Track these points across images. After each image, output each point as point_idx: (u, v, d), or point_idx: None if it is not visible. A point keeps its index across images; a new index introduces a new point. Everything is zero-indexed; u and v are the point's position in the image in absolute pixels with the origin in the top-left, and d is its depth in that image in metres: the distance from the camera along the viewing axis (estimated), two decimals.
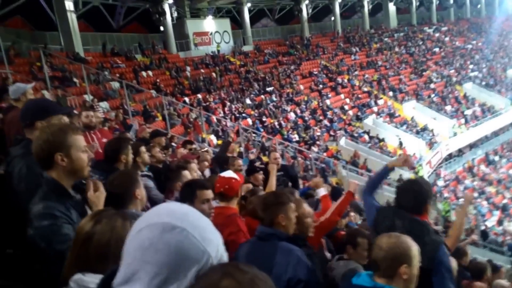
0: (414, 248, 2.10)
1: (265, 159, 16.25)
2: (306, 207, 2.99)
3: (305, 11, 34.40)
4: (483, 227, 19.39)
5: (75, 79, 18.23)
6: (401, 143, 25.55)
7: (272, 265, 2.35)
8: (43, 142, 2.07)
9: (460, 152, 29.72)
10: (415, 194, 2.72)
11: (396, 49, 36.34)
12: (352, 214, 6.37)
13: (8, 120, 3.92)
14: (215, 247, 1.02)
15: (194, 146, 6.44)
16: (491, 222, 22.49)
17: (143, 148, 4.07)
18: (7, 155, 2.70)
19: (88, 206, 2.23)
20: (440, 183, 25.16)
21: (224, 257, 1.04)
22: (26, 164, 2.43)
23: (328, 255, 3.83)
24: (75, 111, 5.46)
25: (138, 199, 2.55)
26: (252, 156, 6.73)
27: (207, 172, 5.23)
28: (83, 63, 18.09)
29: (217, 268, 0.94)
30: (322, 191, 4.24)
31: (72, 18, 22.38)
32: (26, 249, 2.12)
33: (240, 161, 5.78)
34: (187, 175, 3.78)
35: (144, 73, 22.98)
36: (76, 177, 2.18)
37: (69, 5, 22.02)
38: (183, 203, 2.79)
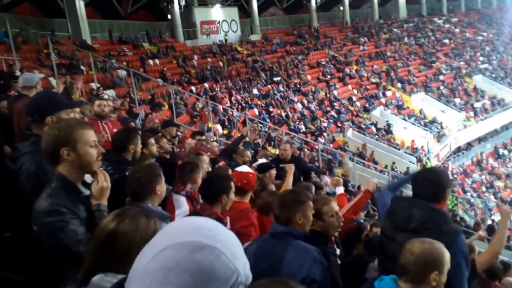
0: (447, 256, 2.08)
1: (270, 149, 16.22)
2: (334, 206, 2.92)
3: (313, 0, 34.04)
4: (489, 222, 19.25)
5: (82, 67, 18.19)
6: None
7: (284, 264, 2.30)
8: (50, 137, 2.06)
9: (469, 145, 29.49)
10: (433, 183, 2.66)
11: (406, 40, 35.96)
12: None
13: (18, 110, 3.80)
14: (243, 263, 0.95)
15: (203, 137, 6.37)
16: (498, 216, 22.33)
17: (151, 140, 4.05)
18: (15, 149, 2.65)
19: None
20: None
21: (250, 277, 0.97)
22: (35, 163, 2.38)
23: (338, 251, 3.78)
24: (85, 101, 5.41)
25: (157, 195, 2.53)
26: (261, 160, 6.50)
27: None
28: (90, 51, 18.02)
29: (267, 285, 0.89)
30: (341, 189, 4.21)
31: (80, 5, 22.32)
32: (29, 243, 2.11)
33: (249, 152, 5.72)
34: (204, 167, 3.76)
35: (151, 62, 22.90)
36: (85, 172, 2.17)
37: None
38: (217, 196, 2.77)
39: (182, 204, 3.28)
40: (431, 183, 2.66)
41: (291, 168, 4.99)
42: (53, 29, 22.17)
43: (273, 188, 4.02)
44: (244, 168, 3.40)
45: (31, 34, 19.79)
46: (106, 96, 12.51)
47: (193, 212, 2.83)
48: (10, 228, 2.69)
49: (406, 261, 2.06)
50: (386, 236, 2.71)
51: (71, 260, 1.92)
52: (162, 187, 2.55)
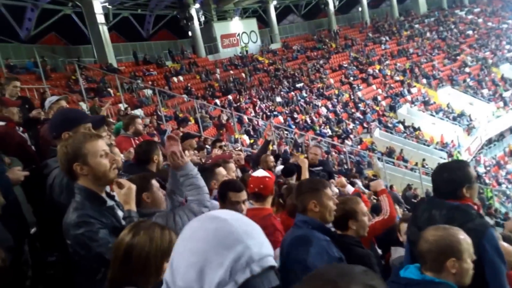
0: (465, 242, 2.00)
1: (299, 155, 16.32)
2: (364, 205, 2.91)
3: (331, 3, 34.04)
4: None
5: (109, 89, 18.84)
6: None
7: (304, 252, 2.37)
8: (62, 155, 2.13)
9: (501, 136, 28.70)
10: (447, 180, 2.52)
11: (428, 34, 35.42)
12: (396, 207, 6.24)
13: (41, 133, 4.02)
14: (258, 244, 1.00)
15: (223, 143, 6.60)
16: None
17: None
18: (45, 166, 2.78)
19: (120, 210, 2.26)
20: (481, 169, 24.41)
21: (269, 261, 1.01)
22: None
23: (379, 251, 3.74)
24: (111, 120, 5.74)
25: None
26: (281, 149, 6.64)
27: (238, 172, 5.35)
28: (116, 73, 18.64)
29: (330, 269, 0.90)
30: (351, 188, 4.24)
31: (104, 30, 23.13)
32: (68, 259, 2.20)
33: (272, 158, 5.87)
34: (221, 172, 3.77)
35: (175, 79, 23.48)
36: (103, 182, 2.19)
37: (100, 18, 22.77)
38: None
39: (217, 206, 3.45)
40: (444, 180, 2.55)
41: (304, 163, 5.09)
42: (80, 56, 23.07)
43: None
44: (260, 173, 3.28)
45: (59, 62, 20.67)
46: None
47: None
48: (54, 249, 2.79)
49: (421, 248, 2.03)
50: (411, 242, 2.57)
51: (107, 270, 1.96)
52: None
